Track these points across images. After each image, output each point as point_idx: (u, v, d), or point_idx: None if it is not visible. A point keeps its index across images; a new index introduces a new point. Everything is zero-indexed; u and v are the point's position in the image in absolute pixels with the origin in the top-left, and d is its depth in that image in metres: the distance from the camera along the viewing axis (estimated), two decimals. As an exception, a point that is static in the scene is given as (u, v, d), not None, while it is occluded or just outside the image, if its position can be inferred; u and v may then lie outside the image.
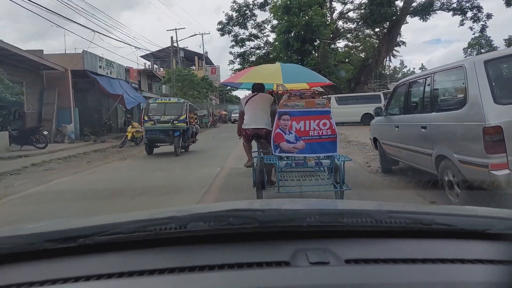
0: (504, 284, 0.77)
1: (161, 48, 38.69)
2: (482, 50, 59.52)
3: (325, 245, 0.89)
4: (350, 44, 33.58)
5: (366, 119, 21.87)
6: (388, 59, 27.31)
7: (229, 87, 73.74)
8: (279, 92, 6.15)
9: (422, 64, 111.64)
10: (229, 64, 39.37)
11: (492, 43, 58.33)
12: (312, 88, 5.72)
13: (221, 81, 62.80)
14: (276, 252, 0.86)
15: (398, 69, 62.33)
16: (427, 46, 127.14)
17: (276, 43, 31.53)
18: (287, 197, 4.43)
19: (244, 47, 37.56)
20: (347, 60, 30.91)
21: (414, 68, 65.63)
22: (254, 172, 4.75)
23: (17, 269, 0.87)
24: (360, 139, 12.73)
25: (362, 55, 33.58)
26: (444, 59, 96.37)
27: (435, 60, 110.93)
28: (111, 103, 19.37)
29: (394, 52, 27.34)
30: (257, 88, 5.42)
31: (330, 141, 4.45)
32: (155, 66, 49.17)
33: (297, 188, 4.65)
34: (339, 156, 4.55)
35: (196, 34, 33.13)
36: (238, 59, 38.89)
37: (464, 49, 61.90)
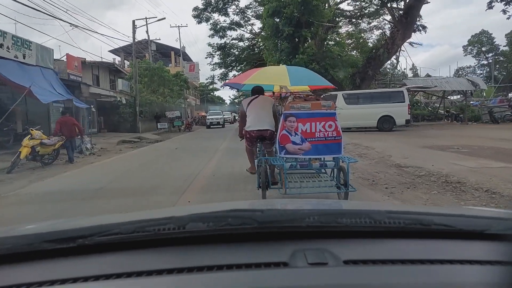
0: (503, 285, 0.76)
1: (130, 41, 32.70)
2: (483, 49, 55.83)
3: (324, 245, 0.88)
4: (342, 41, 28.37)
5: (385, 123, 16.49)
6: (403, 49, 21.98)
7: (211, 87, 68.37)
8: (282, 93, 6.07)
9: (412, 64, 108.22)
10: (206, 57, 33.32)
11: (494, 40, 54.74)
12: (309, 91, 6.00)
13: (200, 80, 57.52)
14: (275, 253, 0.86)
15: (388, 70, 57.62)
16: (409, 49, 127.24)
17: (263, 33, 26.01)
18: (291, 198, 4.29)
19: (225, 38, 32.03)
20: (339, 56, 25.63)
21: (404, 69, 61.23)
22: (259, 174, 4.76)
23: (16, 269, 0.86)
24: (417, 161, 7.20)
25: (354, 53, 28.54)
26: (428, 61, 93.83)
27: (418, 63, 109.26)
28: (31, 100, 13.35)
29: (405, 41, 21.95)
30: (257, 90, 5.37)
31: (335, 142, 4.42)
32: (126, 62, 43.16)
33: (303, 190, 4.49)
34: (344, 157, 4.49)
35: (164, 19, 26.66)
36: (218, 52, 33.32)
37: (464, 47, 58.01)
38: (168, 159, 10.69)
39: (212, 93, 76.86)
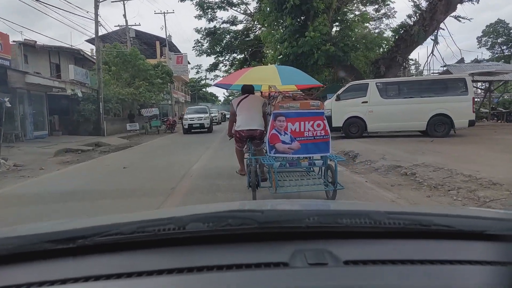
0: (503, 286, 0.76)
1: (109, 30, 27.43)
2: (499, 40, 51.06)
3: (324, 246, 0.88)
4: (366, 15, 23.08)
5: (438, 126, 11.38)
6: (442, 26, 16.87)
7: (203, 82, 62.94)
8: (270, 93, 5.96)
9: (415, 59, 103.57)
10: (194, 48, 28.01)
11: (511, 30, 49.86)
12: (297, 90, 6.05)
13: (189, 73, 51.55)
14: (275, 253, 0.86)
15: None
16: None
17: (260, 12, 20.80)
18: (282, 197, 4.37)
19: (215, 21, 26.80)
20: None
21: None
22: (249, 173, 4.73)
23: (16, 270, 0.86)
24: None
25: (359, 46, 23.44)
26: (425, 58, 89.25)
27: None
28: None
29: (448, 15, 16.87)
30: (247, 89, 5.32)
31: (323, 141, 4.51)
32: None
33: (292, 188, 4.54)
34: (332, 156, 4.60)
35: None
36: (207, 39, 28.07)
37: (478, 38, 53.11)
38: (85, 198, 5.53)
39: (204, 89, 71.34)
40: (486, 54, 51.10)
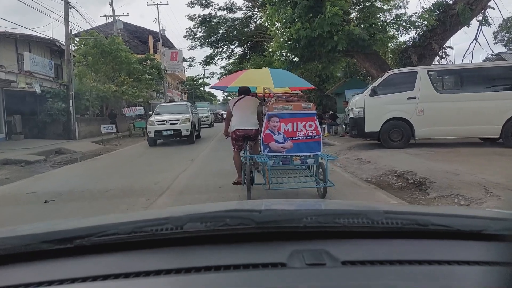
0: (501, 286, 0.76)
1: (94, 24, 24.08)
2: (517, 35, 47.77)
3: (322, 246, 0.87)
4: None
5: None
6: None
7: (201, 81, 59.58)
8: (265, 95, 6.28)
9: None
10: (185, 36, 24.60)
11: (530, 25, 46.51)
12: (292, 92, 6.22)
13: (185, 70, 48.10)
14: (273, 253, 0.85)
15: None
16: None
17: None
18: (275, 193, 4.58)
19: (210, 7, 23.47)
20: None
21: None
22: (244, 171, 4.89)
23: (13, 270, 0.85)
24: None
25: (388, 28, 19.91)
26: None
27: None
28: None
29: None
30: (243, 91, 5.46)
31: (315, 141, 4.69)
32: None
33: (285, 185, 4.76)
34: (323, 154, 4.77)
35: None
36: (201, 29, 24.73)
37: (494, 33, 49.60)
38: None
39: (202, 88, 67.87)
40: (502, 50, 47.79)
